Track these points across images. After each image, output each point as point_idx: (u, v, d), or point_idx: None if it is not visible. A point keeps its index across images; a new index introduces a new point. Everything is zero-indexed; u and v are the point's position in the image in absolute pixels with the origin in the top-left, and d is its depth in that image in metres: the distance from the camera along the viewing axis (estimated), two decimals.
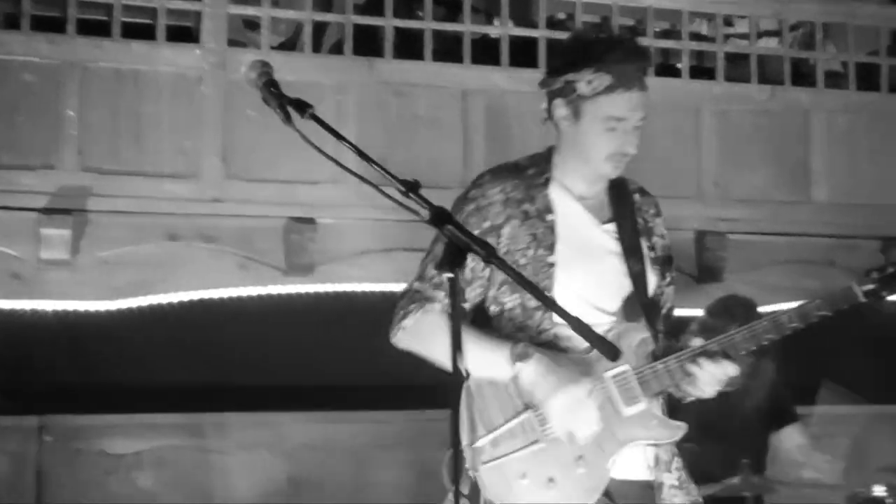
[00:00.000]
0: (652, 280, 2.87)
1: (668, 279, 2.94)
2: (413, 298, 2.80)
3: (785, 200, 6.34)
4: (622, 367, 2.74)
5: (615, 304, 2.81)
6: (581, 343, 2.64)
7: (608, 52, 2.75)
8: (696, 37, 6.56)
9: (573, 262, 2.78)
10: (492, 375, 2.70)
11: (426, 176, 2.86)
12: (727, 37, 6.57)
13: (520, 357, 2.67)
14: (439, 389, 2.48)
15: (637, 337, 2.76)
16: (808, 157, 6.39)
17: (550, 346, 2.74)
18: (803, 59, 6.70)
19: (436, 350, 2.71)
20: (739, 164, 6.31)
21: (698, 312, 5.85)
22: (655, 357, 2.78)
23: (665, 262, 2.94)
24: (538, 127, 2.96)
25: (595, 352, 2.63)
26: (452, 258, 2.30)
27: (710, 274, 6.22)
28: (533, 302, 2.74)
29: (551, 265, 2.76)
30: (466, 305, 2.81)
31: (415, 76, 5.77)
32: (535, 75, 3.31)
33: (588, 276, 2.79)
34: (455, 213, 2.77)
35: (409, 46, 5.83)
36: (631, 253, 2.83)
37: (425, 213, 2.31)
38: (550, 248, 2.78)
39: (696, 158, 6.24)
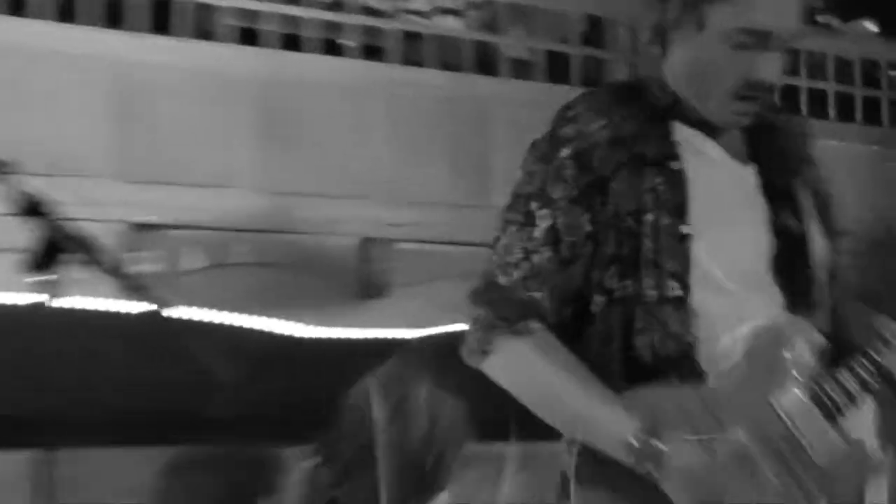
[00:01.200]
0: (819, 245, 2.41)
1: (838, 247, 2.47)
2: (504, 309, 2.31)
3: (462, 204, 6.45)
4: (798, 390, 2.23)
5: (766, 277, 2.34)
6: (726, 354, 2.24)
7: None
8: (366, 10, 6.61)
9: (714, 227, 2.30)
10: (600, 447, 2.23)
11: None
12: (401, 12, 6.69)
13: (645, 458, 2.16)
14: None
15: (806, 333, 2.29)
16: (488, 154, 6.54)
17: (681, 363, 2.26)
18: (487, 43, 6.88)
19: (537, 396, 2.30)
20: (412, 160, 6.43)
21: (362, 333, 5.99)
22: (834, 361, 2.29)
23: (833, 222, 2.48)
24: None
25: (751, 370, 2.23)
26: (48, 258, 2.10)
27: (373, 288, 6.29)
28: (655, 291, 2.27)
29: (683, 237, 2.28)
30: (552, 315, 2.32)
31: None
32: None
33: (737, 245, 2.32)
34: (532, 165, 2.36)
35: None
36: (785, 206, 2.38)
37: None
38: (679, 212, 2.29)
39: (362, 151, 6.32)
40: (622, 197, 2.29)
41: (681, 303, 2.25)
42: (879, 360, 2.23)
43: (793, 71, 7.46)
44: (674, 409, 2.18)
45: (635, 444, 2.15)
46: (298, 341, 6.10)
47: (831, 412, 2.21)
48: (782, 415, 2.20)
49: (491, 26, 6.90)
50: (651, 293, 2.26)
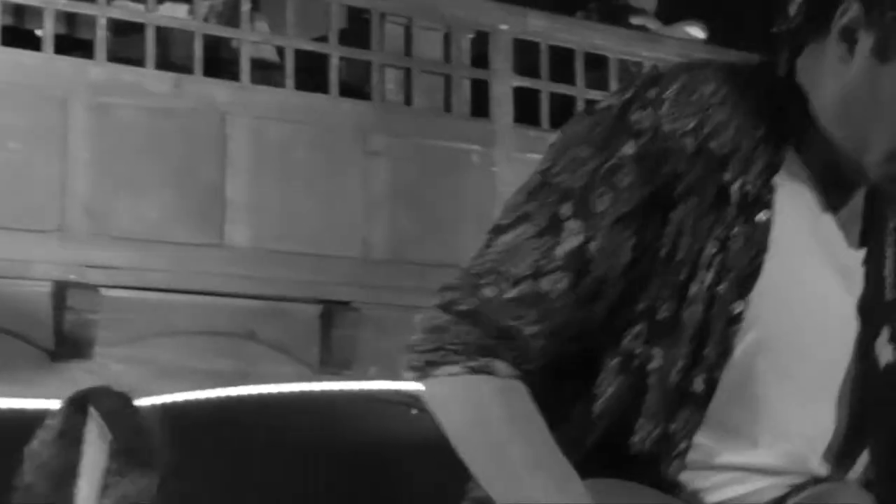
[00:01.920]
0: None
1: None
2: (478, 332, 2.09)
3: (189, 242, 6.39)
4: None
5: (830, 428, 2.16)
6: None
7: None
8: None
9: (783, 322, 2.10)
10: None
11: None
12: None
13: None
14: None
15: None
16: (224, 180, 6.44)
17: (663, 469, 2.10)
18: (224, 39, 6.81)
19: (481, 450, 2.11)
20: (123, 185, 6.28)
21: (54, 404, 5.69)
22: None
23: None
24: None
25: None
26: None
27: (72, 347, 6.14)
28: (678, 376, 2.07)
29: (735, 319, 2.07)
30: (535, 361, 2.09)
31: None
32: None
33: (802, 357, 2.11)
34: (582, 148, 2.07)
35: None
36: (882, 315, 2.16)
37: None
38: (744, 283, 2.07)
39: (61, 173, 6.14)
40: (681, 235, 2.03)
41: (697, 401, 2.06)
42: None
43: (599, 82, 7.46)
44: None
45: None
46: None
47: None
48: None
49: (230, 18, 6.77)
50: (674, 375, 2.05)
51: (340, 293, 6.65)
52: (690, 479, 2.08)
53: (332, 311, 6.63)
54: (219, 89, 6.55)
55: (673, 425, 2.05)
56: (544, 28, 7.36)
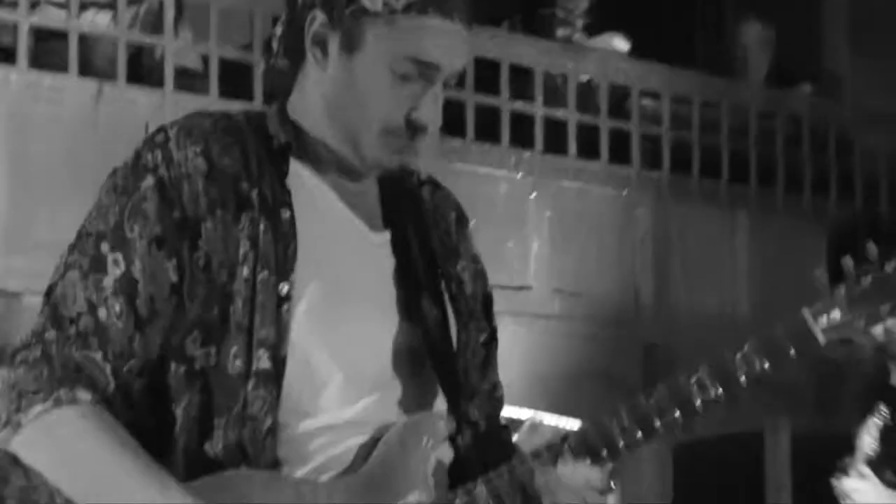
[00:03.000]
0: (456, 332, 2.45)
1: (483, 332, 2.50)
2: (53, 367, 2.17)
3: None
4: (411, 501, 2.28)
5: (388, 372, 2.36)
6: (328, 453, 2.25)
7: None
8: None
9: (325, 294, 2.29)
10: None
11: None
12: (36, 3, 6.45)
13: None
14: None
15: (433, 434, 2.32)
16: None
17: (257, 453, 2.24)
18: (146, 46, 6.79)
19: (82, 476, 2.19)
20: (43, 191, 6.24)
21: None
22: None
23: (478, 305, 2.51)
24: None
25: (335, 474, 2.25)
26: None
27: None
28: (240, 362, 2.23)
29: (284, 299, 2.25)
30: (112, 384, 2.22)
31: None
32: None
33: (349, 321, 2.31)
34: (107, 197, 2.26)
35: None
36: (419, 284, 2.40)
37: None
38: (282, 269, 2.26)
39: None
40: (215, 243, 2.23)
41: (269, 378, 2.22)
42: (516, 472, 2.31)
43: (524, 94, 7.41)
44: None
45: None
46: None
47: None
48: None
49: (155, 25, 6.75)
50: (235, 364, 2.22)
51: None
52: (285, 454, 2.23)
53: None
54: (141, 96, 6.50)
55: (252, 408, 2.20)
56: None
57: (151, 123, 6.30)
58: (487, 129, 7.46)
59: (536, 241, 7.51)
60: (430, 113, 2.33)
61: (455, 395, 2.41)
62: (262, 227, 2.25)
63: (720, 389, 2.29)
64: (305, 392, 2.25)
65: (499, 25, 7.89)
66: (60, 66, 6.34)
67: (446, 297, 2.45)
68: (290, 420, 2.25)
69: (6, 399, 2.16)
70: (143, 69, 6.71)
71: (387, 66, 2.29)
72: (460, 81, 7.45)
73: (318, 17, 2.30)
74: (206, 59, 6.74)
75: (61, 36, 6.39)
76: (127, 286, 2.19)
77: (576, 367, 7.43)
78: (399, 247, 2.41)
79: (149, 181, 2.22)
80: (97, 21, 6.62)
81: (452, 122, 7.29)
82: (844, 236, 8.13)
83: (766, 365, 2.29)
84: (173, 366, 2.24)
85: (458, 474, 2.37)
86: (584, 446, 2.31)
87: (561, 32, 8.02)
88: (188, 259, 2.22)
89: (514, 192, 7.48)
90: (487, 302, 2.52)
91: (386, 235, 2.41)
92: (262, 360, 2.22)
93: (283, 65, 2.37)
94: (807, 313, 2.30)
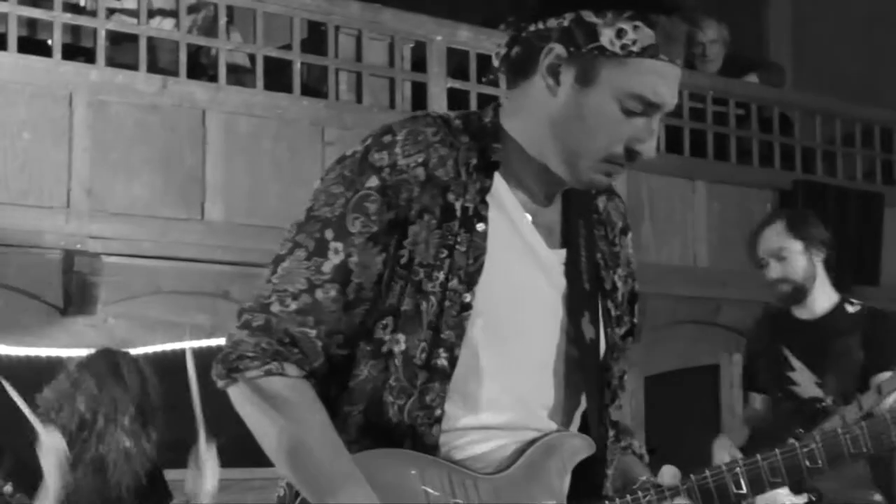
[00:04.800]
0: (605, 337, 2.36)
1: (624, 326, 2.40)
2: (271, 340, 2.19)
3: (173, 217, 6.35)
4: None
5: (544, 386, 2.29)
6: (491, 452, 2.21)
7: None
8: (72, 8, 6.39)
9: (503, 307, 2.23)
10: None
11: None
12: (112, 11, 6.49)
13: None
14: None
15: (577, 451, 2.27)
16: (203, 165, 6.45)
17: (421, 436, 2.20)
18: (204, 46, 6.75)
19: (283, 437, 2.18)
20: (119, 169, 6.25)
21: (65, 351, 5.73)
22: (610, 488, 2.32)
23: (625, 303, 2.42)
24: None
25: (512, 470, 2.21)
26: None
27: (78, 305, 6.11)
28: (423, 355, 2.18)
29: (467, 306, 2.19)
30: (322, 357, 2.21)
31: None
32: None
33: (517, 335, 2.24)
34: (335, 187, 2.22)
35: None
36: (582, 305, 2.29)
37: None
38: (470, 279, 2.19)
39: (66, 159, 6.10)
40: (418, 245, 2.19)
41: (443, 375, 2.18)
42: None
43: None
44: (401, 483, 2.15)
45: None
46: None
47: None
48: None
49: (208, 29, 6.72)
50: (418, 355, 2.18)
51: None
52: (445, 441, 2.21)
53: None
54: (199, 89, 6.46)
55: (427, 397, 2.17)
56: (472, 38, 7.37)
57: (207, 112, 6.43)
58: None
59: None
60: (650, 145, 2.21)
61: (598, 406, 2.33)
62: (459, 237, 2.19)
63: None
64: (470, 392, 2.20)
65: (497, 27, 7.87)
66: (132, 65, 6.35)
67: (601, 309, 2.35)
68: (454, 413, 2.21)
69: (229, 350, 2.21)
70: (200, 66, 6.72)
71: (616, 101, 2.17)
72: (464, 74, 7.47)
73: (556, 49, 2.19)
74: (252, 58, 6.71)
75: (132, 38, 6.40)
76: (343, 273, 2.18)
77: None
78: (571, 266, 2.31)
79: (374, 181, 2.19)
80: (162, 26, 6.62)
81: (459, 109, 7.35)
82: (788, 200, 8.23)
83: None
84: (362, 344, 2.22)
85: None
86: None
87: None
88: (393, 255, 2.19)
89: None
90: (633, 299, 2.43)
91: (562, 254, 2.31)
92: (441, 358, 2.18)
93: (502, 80, 2.31)
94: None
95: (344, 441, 2.16)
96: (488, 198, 2.23)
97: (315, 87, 7.01)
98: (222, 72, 6.57)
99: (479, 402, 2.22)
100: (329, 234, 2.19)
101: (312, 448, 2.13)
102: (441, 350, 2.18)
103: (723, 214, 8.23)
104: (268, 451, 2.18)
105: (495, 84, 7.09)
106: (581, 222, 2.34)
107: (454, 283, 2.18)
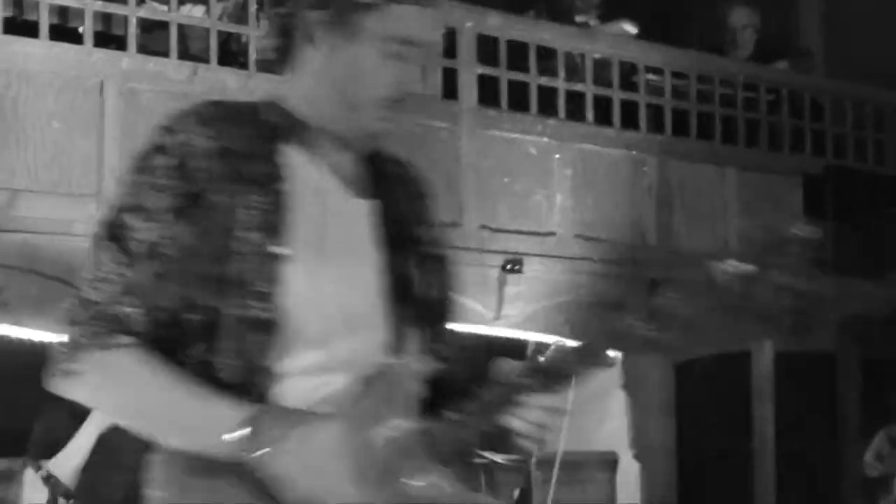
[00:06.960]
0: (421, 286, 2.44)
1: (441, 286, 2.48)
2: (93, 326, 2.23)
3: None
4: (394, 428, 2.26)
5: (373, 312, 2.36)
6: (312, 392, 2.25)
7: None
8: None
9: (315, 254, 2.30)
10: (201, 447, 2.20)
11: None
12: (142, 0, 6.45)
13: (255, 446, 2.14)
14: None
15: (410, 375, 2.34)
16: None
17: (254, 388, 2.24)
18: (234, 34, 6.74)
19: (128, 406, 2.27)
20: None
21: None
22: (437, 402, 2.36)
23: (437, 262, 2.50)
24: None
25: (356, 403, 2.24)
26: None
27: None
28: (238, 311, 2.23)
29: (273, 257, 2.24)
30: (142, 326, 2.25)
31: None
32: None
33: (340, 278, 2.31)
34: (130, 176, 2.26)
35: None
36: (394, 245, 2.39)
37: None
38: (274, 232, 2.26)
39: (96, 148, 6.10)
40: (219, 212, 2.24)
41: (263, 326, 2.23)
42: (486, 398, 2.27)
43: (549, 71, 7.48)
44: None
45: (247, 431, 2.14)
46: (31, 346, 5.88)
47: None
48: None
49: (239, 16, 6.72)
50: (234, 313, 2.22)
51: None
52: (280, 391, 2.24)
53: None
54: (229, 77, 6.45)
55: (256, 351, 2.21)
56: (502, 26, 7.37)
57: (238, 98, 6.43)
58: (518, 101, 7.44)
59: (560, 194, 7.52)
60: (414, 86, 2.35)
61: (422, 336, 2.42)
62: (259, 198, 2.26)
63: None
64: (300, 335, 2.25)
65: (526, 13, 7.91)
66: (163, 52, 6.34)
67: (414, 256, 2.43)
68: (286, 362, 2.25)
69: (59, 354, 2.23)
70: (231, 53, 6.71)
71: (375, 48, 2.28)
72: (493, 60, 7.46)
73: (311, 16, 2.29)
74: None
75: (163, 26, 6.37)
76: (149, 250, 2.23)
77: (593, 298, 7.49)
78: (376, 214, 2.40)
79: (163, 160, 2.25)
80: (193, 13, 6.60)
81: (489, 96, 7.33)
82: (818, 186, 8.15)
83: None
84: (186, 315, 2.25)
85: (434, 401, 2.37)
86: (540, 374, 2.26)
87: (579, 19, 7.98)
88: (198, 225, 2.23)
89: (541, 154, 7.45)
90: (442, 261, 2.52)
91: (366, 203, 2.40)
92: (263, 311, 2.22)
93: (271, 44, 2.38)
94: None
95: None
96: (281, 159, 2.31)
97: None
98: (252, 59, 6.56)
99: (309, 346, 2.26)
100: (130, 217, 2.24)
101: (177, 398, 2.20)
102: (254, 302, 2.23)
103: (751, 200, 8.16)
104: (135, 423, 2.26)
105: (525, 70, 7.39)
106: (380, 180, 2.44)
107: (256, 237, 2.24)
